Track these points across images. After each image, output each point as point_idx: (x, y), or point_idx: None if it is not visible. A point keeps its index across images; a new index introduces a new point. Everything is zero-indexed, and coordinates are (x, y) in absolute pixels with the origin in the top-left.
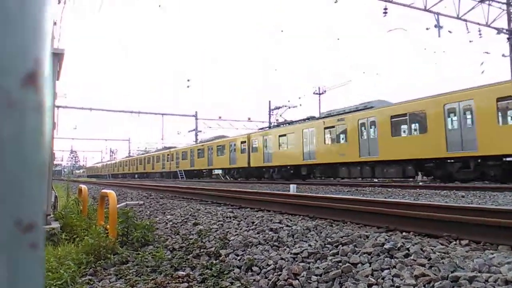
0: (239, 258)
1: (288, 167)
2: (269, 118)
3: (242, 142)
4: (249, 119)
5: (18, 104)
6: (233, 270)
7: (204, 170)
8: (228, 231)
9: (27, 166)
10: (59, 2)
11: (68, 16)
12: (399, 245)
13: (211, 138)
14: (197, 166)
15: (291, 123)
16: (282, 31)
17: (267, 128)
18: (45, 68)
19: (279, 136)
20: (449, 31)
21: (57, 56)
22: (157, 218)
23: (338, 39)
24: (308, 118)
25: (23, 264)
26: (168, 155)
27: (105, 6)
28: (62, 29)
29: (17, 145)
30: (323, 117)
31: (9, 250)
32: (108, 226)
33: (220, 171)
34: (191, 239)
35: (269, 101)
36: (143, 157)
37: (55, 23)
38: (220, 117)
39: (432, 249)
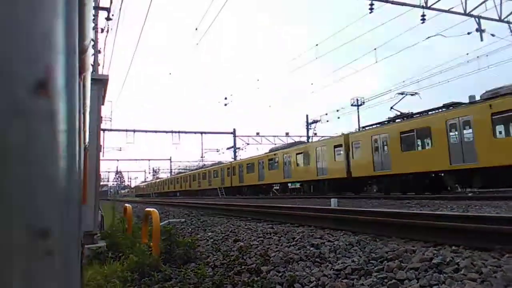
0: (280, 274)
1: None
2: (307, 132)
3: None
4: (287, 134)
5: (28, 113)
6: (275, 287)
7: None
8: (268, 247)
9: (37, 174)
10: (102, 31)
11: (110, 43)
12: (448, 259)
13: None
14: (268, 180)
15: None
16: (316, 45)
17: (376, 126)
18: (58, 77)
19: (401, 133)
20: (492, 34)
21: (101, 82)
22: (199, 235)
23: (375, 49)
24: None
25: (38, 272)
26: (214, 170)
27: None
28: (106, 56)
29: (26, 154)
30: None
31: (23, 257)
32: (151, 243)
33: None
34: (232, 255)
35: (307, 115)
36: (187, 174)
37: (99, 51)
38: (258, 133)
39: (484, 263)
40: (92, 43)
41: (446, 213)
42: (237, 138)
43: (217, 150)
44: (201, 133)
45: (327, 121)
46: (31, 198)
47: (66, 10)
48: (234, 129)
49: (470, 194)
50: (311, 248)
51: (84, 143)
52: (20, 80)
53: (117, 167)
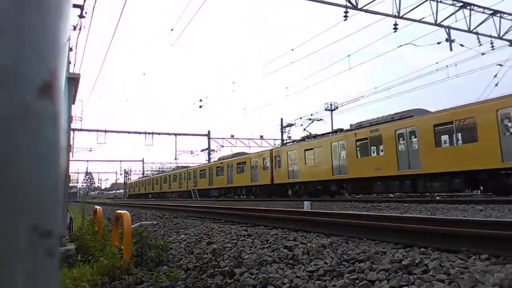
0: (253, 276)
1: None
2: (282, 135)
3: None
4: (261, 137)
5: (34, 114)
6: None
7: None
8: (242, 250)
9: (43, 175)
10: (74, 29)
11: (82, 41)
12: (417, 261)
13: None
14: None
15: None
16: (292, 49)
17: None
18: (61, 79)
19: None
20: (461, 45)
21: (73, 81)
22: (171, 238)
23: (349, 55)
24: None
25: (39, 271)
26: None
27: (118, 32)
28: (77, 54)
29: (33, 155)
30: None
31: (26, 257)
32: (122, 246)
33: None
34: (205, 258)
35: (281, 119)
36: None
37: (71, 49)
38: (232, 136)
39: (451, 265)
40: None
41: (415, 215)
42: (211, 140)
43: (191, 152)
44: (175, 134)
45: (301, 125)
46: (38, 199)
47: (65, 10)
48: (209, 131)
49: (438, 198)
50: (285, 250)
51: None
52: (28, 83)
53: (87, 168)
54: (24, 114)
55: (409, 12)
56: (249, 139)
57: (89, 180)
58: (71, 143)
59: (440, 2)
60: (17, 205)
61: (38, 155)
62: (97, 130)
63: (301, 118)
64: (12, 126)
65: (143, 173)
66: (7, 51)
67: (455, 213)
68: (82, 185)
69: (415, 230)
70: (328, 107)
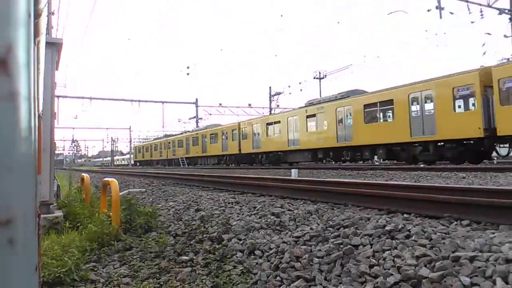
0: (241, 242)
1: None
2: (270, 103)
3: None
4: (249, 105)
5: None
6: (236, 254)
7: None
8: (230, 217)
9: (1, 161)
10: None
11: (67, 5)
12: (400, 226)
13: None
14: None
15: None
16: (281, 15)
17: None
18: (19, 56)
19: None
20: (451, 13)
21: (55, 46)
22: (160, 205)
23: (338, 22)
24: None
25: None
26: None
27: None
28: (60, 18)
29: None
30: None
31: None
32: (111, 213)
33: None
34: (193, 225)
35: (270, 87)
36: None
37: (52, 13)
38: (220, 104)
39: (433, 230)
40: (47, 5)
41: (399, 183)
42: (199, 108)
43: (179, 120)
44: (163, 102)
45: (290, 93)
46: None
47: None
48: (197, 99)
49: (422, 165)
50: (272, 217)
51: (38, 110)
52: None
53: (73, 135)
54: None
55: None
56: (237, 107)
57: (75, 147)
58: (56, 110)
59: None
60: None
61: None
62: (82, 97)
63: (289, 86)
64: None
65: (130, 141)
66: None
67: (438, 180)
68: (69, 153)
69: (399, 196)
70: (316, 75)
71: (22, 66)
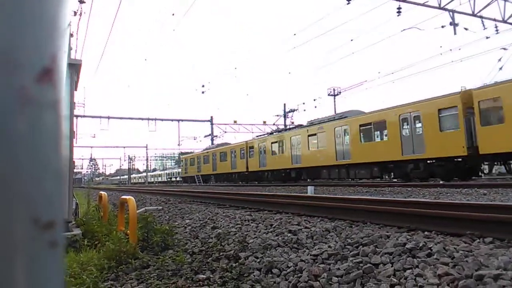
0: (258, 260)
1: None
2: (284, 120)
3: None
4: (264, 122)
5: (33, 100)
6: (253, 272)
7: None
8: (247, 234)
9: (43, 164)
10: (75, 14)
11: (83, 27)
12: (421, 244)
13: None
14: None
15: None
16: (294, 34)
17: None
18: (62, 65)
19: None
20: (465, 28)
21: (75, 67)
22: (176, 223)
23: (352, 40)
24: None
25: (42, 263)
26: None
27: (120, 18)
28: (79, 40)
29: (32, 142)
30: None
31: (28, 249)
32: (128, 231)
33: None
34: (210, 242)
35: (284, 104)
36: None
37: (71, 35)
38: (235, 121)
39: (455, 248)
40: (69, 26)
41: (419, 199)
42: (214, 126)
43: (194, 138)
44: (178, 120)
45: (304, 110)
46: (38, 189)
47: None
48: (212, 117)
49: (441, 182)
50: (289, 234)
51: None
52: (27, 69)
53: (91, 154)
54: (22, 101)
55: None
56: (252, 124)
57: (93, 166)
58: (75, 129)
59: None
60: (15, 196)
61: (37, 143)
62: (100, 117)
63: (304, 103)
64: (10, 113)
65: (147, 159)
66: (5, 36)
67: (458, 196)
68: (87, 171)
69: (419, 213)
70: (331, 92)
71: (62, 75)
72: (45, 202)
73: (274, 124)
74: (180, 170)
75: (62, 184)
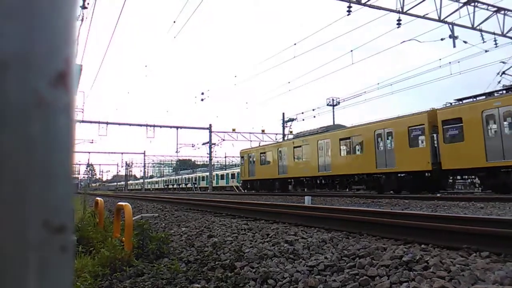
0: (254, 270)
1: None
2: (283, 130)
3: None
4: (263, 131)
5: (48, 104)
6: (249, 282)
7: None
8: (243, 243)
9: (56, 167)
10: (76, 19)
11: (84, 32)
12: (417, 257)
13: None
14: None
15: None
16: (295, 44)
17: (254, 148)
18: (74, 69)
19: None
20: (464, 41)
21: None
22: (172, 231)
23: (351, 51)
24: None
25: (53, 267)
26: None
27: (120, 24)
28: (79, 45)
29: (46, 146)
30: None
31: (39, 252)
32: (123, 238)
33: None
34: (206, 251)
35: (283, 113)
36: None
37: None
38: (233, 129)
39: (452, 261)
40: None
41: (415, 212)
42: (213, 133)
43: (193, 145)
44: (177, 127)
45: (303, 119)
46: (51, 192)
47: None
48: (210, 125)
49: (438, 195)
50: (285, 245)
51: None
52: (41, 72)
53: (88, 159)
54: (37, 104)
55: (412, 8)
56: (251, 133)
57: (90, 171)
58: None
59: None
60: (29, 198)
61: (51, 146)
62: (99, 122)
63: (302, 113)
64: (25, 116)
65: (144, 166)
66: (22, 41)
67: (455, 210)
68: (84, 177)
69: (416, 226)
70: (330, 102)
71: (74, 79)
72: (57, 206)
73: (273, 133)
74: (177, 177)
75: (72, 188)
